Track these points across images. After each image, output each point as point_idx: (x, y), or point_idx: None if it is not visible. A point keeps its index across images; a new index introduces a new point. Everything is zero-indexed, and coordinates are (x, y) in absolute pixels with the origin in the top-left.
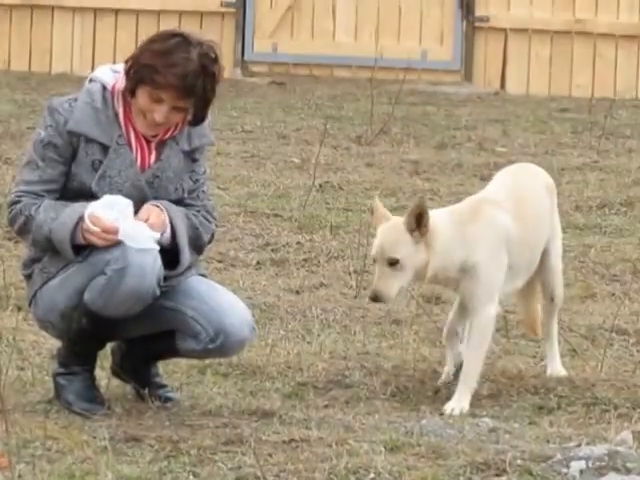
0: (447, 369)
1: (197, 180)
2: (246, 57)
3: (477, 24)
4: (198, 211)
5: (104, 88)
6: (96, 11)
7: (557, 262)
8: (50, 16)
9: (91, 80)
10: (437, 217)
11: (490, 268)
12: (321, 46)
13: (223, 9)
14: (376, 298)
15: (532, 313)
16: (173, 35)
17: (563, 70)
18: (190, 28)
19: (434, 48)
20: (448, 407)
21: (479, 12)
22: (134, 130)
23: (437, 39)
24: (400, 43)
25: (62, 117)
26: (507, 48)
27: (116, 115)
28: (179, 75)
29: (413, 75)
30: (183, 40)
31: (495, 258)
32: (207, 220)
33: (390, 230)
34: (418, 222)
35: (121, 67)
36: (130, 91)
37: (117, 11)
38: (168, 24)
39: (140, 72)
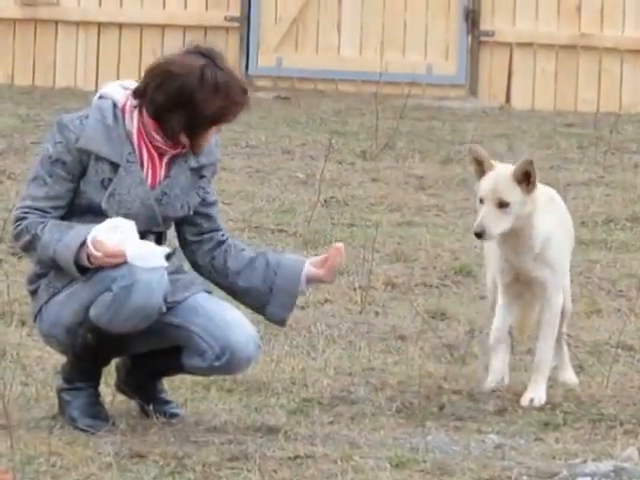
0: (493, 377)
1: (213, 203)
2: (250, 72)
3: (482, 38)
4: (223, 235)
5: (115, 105)
6: (100, 25)
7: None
8: (54, 30)
9: (101, 97)
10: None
11: (563, 257)
12: (326, 60)
13: (227, 23)
14: (480, 233)
15: (526, 319)
16: (196, 62)
17: (568, 85)
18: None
19: (439, 62)
20: (526, 399)
21: (484, 26)
22: (147, 147)
23: (442, 53)
24: (405, 57)
25: (73, 134)
26: (512, 62)
27: (127, 133)
28: (244, 101)
29: (418, 90)
30: (210, 61)
31: (565, 249)
32: None
33: (503, 175)
34: (525, 178)
35: (131, 83)
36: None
37: (121, 25)
38: (172, 38)
39: (211, 118)
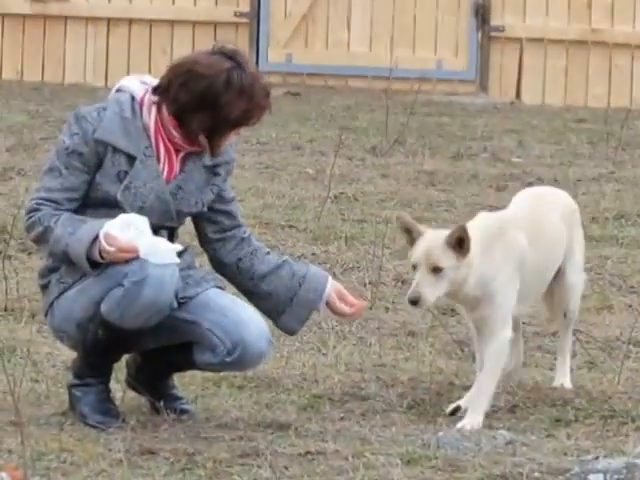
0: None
1: (231, 200)
2: (260, 67)
3: (492, 34)
4: (245, 232)
5: (133, 98)
6: (109, 21)
7: (572, 279)
8: (63, 26)
9: (119, 90)
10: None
11: (507, 291)
12: (336, 56)
13: (237, 19)
14: (415, 301)
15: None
16: (223, 64)
17: (579, 80)
18: (205, 39)
19: (449, 58)
20: (460, 425)
21: (494, 22)
22: (164, 142)
23: (452, 49)
24: (415, 53)
25: (90, 125)
26: (523, 58)
27: (144, 126)
28: (266, 105)
29: (428, 85)
30: (236, 63)
31: (511, 281)
32: None
33: (436, 240)
34: (459, 243)
35: (148, 79)
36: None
37: (130, 21)
38: (182, 34)
39: (235, 121)
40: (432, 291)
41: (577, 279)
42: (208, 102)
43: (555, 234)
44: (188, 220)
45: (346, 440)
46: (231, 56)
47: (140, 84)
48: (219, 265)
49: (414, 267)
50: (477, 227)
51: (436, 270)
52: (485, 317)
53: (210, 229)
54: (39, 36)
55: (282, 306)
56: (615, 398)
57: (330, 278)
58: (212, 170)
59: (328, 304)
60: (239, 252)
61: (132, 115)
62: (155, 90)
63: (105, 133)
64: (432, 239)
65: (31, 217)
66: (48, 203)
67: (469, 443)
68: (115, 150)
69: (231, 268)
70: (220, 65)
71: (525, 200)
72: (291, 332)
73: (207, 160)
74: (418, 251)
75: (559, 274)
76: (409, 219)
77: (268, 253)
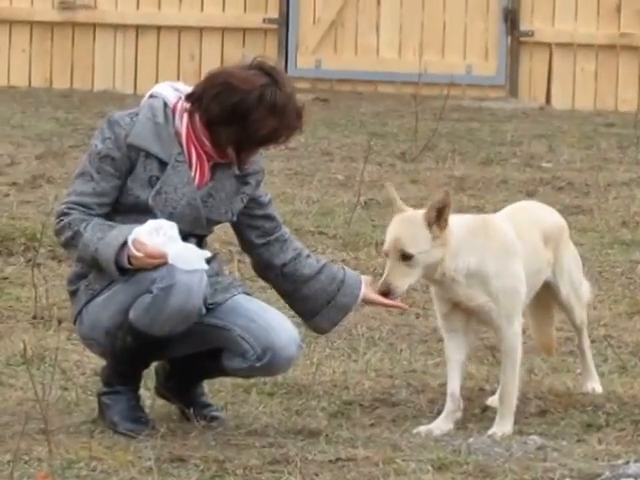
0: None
1: (268, 203)
2: (289, 73)
3: (522, 39)
4: (285, 233)
5: (165, 105)
6: (138, 28)
7: (566, 293)
8: (92, 33)
9: (152, 96)
10: (454, 218)
11: (507, 283)
12: (365, 62)
13: (266, 25)
14: (387, 292)
15: (546, 338)
16: (258, 80)
17: (609, 85)
18: (234, 47)
19: (478, 63)
20: (491, 432)
21: (524, 27)
22: (196, 149)
23: (482, 54)
24: (444, 58)
25: (123, 130)
26: (552, 63)
27: (176, 133)
28: (297, 126)
29: (457, 91)
30: (272, 80)
31: (510, 274)
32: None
33: (407, 223)
34: (439, 216)
35: (181, 86)
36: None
37: (159, 28)
38: (210, 41)
39: (262, 139)
40: (403, 281)
41: (572, 292)
42: (238, 117)
43: (535, 244)
44: (216, 227)
45: (377, 446)
46: (269, 72)
47: (173, 91)
48: (263, 268)
49: (386, 254)
50: (462, 217)
51: (406, 257)
52: (483, 308)
53: (254, 234)
54: (68, 44)
55: (318, 309)
56: None
57: (363, 278)
58: (242, 179)
59: (368, 302)
60: (284, 256)
61: (164, 121)
62: (188, 97)
63: (138, 138)
64: (404, 222)
65: (61, 221)
66: (79, 207)
67: (500, 449)
68: (147, 155)
69: (274, 272)
70: (255, 81)
71: (509, 210)
72: (321, 332)
73: (237, 170)
74: (388, 236)
75: (554, 294)
76: (392, 191)
77: (309, 256)
